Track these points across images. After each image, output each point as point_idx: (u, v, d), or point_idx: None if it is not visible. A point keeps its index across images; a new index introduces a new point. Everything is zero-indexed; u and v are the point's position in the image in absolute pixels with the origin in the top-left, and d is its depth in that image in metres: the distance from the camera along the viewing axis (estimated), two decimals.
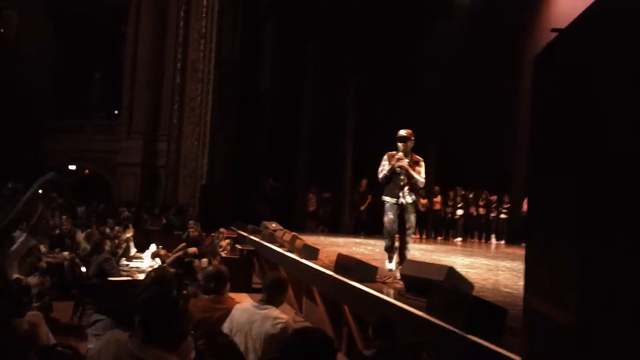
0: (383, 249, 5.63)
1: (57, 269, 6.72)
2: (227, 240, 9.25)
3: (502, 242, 12.73)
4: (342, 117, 14.06)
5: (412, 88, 13.42)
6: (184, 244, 8.06)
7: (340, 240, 10.75)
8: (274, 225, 9.27)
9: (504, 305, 3.16)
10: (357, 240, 11.05)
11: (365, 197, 13.31)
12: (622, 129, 1.67)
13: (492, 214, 13.03)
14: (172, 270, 4.61)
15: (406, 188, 5.24)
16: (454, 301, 3.10)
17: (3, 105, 15.82)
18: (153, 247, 7.82)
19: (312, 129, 14.15)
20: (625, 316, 1.62)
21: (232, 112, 15.01)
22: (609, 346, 1.64)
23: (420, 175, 5.26)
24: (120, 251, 7.30)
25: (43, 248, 7.40)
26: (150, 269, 5.78)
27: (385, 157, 5.40)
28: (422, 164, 5.33)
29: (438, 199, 13.45)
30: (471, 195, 13.32)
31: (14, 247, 4.64)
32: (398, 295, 4.07)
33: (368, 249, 8.78)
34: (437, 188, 13.37)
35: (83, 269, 6.43)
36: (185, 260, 7.68)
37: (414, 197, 5.30)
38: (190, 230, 8.63)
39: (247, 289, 7.90)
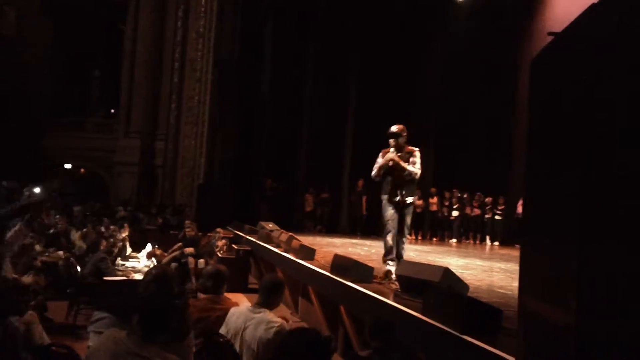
0: (383, 249, 5.37)
1: (52, 268, 6.69)
2: (224, 241, 9.23)
3: (497, 243, 12.77)
4: (341, 117, 14.07)
5: (411, 89, 13.45)
6: (180, 244, 8.05)
7: (337, 240, 10.75)
8: (270, 225, 9.27)
9: (499, 306, 3.17)
10: (354, 240, 11.07)
11: (361, 198, 13.33)
12: (620, 129, 1.68)
13: (487, 216, 13.07)
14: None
15: (404, 187, 5.15)
16: (450, 302, 3.11)
17: (1, 102, 15.77)
18: (149, 247, 7.81)
19: (312, 130, 14.16)
20: (625, 317, 1.63)
21: (231, 112, 15.01)
22: (608, 347, 1.65)
23: (415, 165, 5.12)
24: (116, 250, 7.28)
25: (38, 247, 7.37)
26: (146, 268, 5.78)
27: (380, 154, 5.35)
28: (417, 153, 5.18)
29: (435, 200, 13.47)
30: (465, 195, 13.36)
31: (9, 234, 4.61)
32: (394, 296, 4.08)
33: (364, 249, 8.79)
34: (434, 189, 13.40)
35: (78, 269, 6.41)
36: (182, 260, 7.67)
37: (412, 198, 5.25)
38: (187, 230, 8.62)
39: (244, 289, 7.90)
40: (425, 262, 5.23)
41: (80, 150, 18.54)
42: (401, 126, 5.24)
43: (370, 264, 4.99)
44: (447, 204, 13.48)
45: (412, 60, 13.38)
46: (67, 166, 19.00)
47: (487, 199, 13.07)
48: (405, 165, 5.11)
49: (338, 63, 13.77)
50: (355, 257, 5.41)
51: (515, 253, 9.42)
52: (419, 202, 12.14)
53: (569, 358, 1.72)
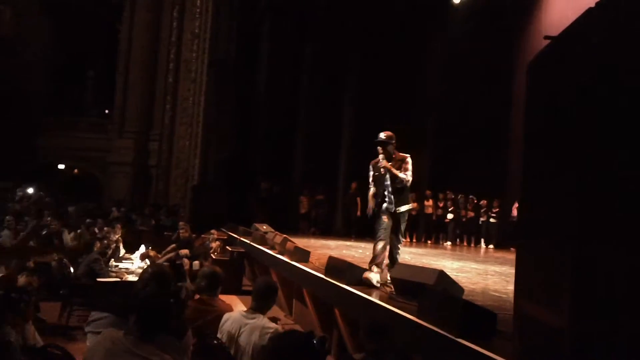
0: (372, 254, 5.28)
1: (45, 268, 6.64)
2: (218, 242, 9.19)
3: (491, 246, 12.79)
4: (337, 119, 14.06)
5: (409, 90, 13.44)
6: (173, 245, 8.01)
7: (332, 242, 10.74)
8: (264, 227, 9.24)
9: (494, 309, 3.17)
10: (348, 243, 11.05)
11: (356, 199, 13.31)
12: (616, 131, 1.68)
13: (482, 219, 13.08)
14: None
15: (396, 194, 5.09)
16: (445, 305, 3.11)
17: None
18: (142, 248, 7.76)
19: (307, 131, 14.13)
20: (619, 320, 1.63)
21: (226, 113, 14.98)
22: (602, 349, 1.65)
23: (407, 172, 5.04)
24: (110, 252, 7.23)
25: None
26: (140, 270, 5.74)
27: (370, 166, 5.23)
28: (409, 160, 5.08)
29: (430, 202, 13.47)
30: (460, 197, 13.36)
31: None
32: (388, 299, 4.07)
33: (359, 251, 8.78)
34: (429, 192, 13.40)
35: (71, 270, 6.37)
36: (177, 262, 7.63)
37: (406, 207, 5.20)
38: (181, 231, 8.57)
39: (237, 291, 7.86)
40: (420, 265, 5.23)
41: (74, 150, 18.45)
42: (389, 133, 5.10)
43: (364, 267, 4.98)
44: (441, 205, 13.48)
45: (412, 60, 13.35)
46: (61, 166, 18.88)
47: (482, 202, 13.08)
48: (397, 172, 5.01)
49: (335, 63, 13.75)
50: (349, 260, 5.40)
51: (510, 256, 9.44)
52: (414, 205, 12.15)
53: None
